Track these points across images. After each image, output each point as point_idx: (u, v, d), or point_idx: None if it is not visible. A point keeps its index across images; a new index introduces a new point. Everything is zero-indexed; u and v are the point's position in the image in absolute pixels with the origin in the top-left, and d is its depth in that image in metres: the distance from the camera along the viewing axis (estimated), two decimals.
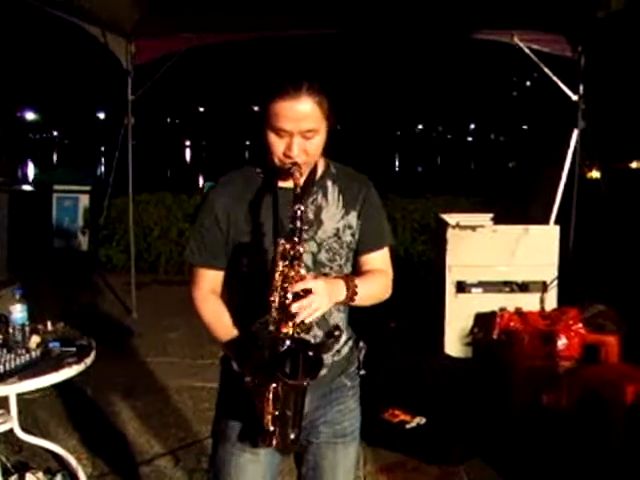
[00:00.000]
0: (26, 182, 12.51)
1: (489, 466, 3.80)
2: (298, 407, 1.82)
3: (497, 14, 5.59)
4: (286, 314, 1.77)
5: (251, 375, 1.86)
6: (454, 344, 4.95)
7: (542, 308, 4.87)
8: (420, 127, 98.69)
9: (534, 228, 4.94)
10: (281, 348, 1.73)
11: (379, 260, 2.14)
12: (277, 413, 1.81)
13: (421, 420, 4.17)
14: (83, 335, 3.30)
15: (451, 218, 5.28)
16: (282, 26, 6.01)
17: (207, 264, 2.07)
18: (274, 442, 1.84)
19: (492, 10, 5.50)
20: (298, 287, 1.77)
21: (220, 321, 2.04)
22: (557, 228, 4.95)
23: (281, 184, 2.01)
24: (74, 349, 3.11)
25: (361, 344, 2.19)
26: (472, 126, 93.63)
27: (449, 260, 4.94)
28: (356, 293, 1.94)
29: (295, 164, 1.89)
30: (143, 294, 7.05)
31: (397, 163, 47.12)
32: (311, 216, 2.01)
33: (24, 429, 3.40)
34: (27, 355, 2.96)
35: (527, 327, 4.49)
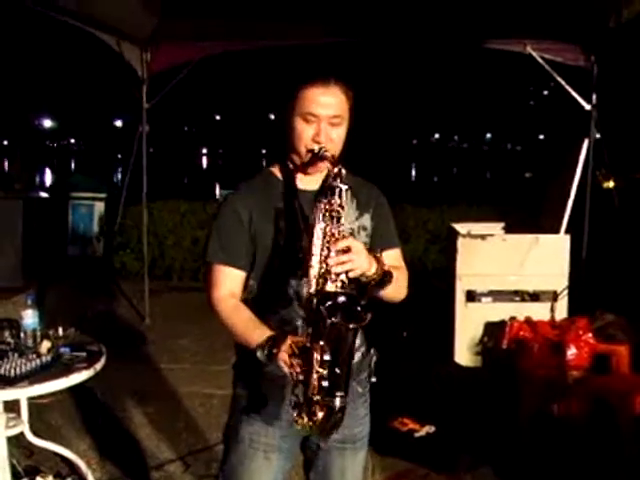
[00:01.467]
0: (42, 189, 12.60)
1: (497, 476, 3.79)
2: (345, 366, 1.75)
3: (509, 24, 5.62)
4: (328, 272, 1.80)
5: (290, 349, 1.78)
6: (464, 353, 4.95)
7: (552, 318, 4.86)
8: (437, 136, 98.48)
9: (544, 237, 4.93)
10: (332, 300, 1.73)
11: (392, 259, 2.16)
12: (324, 372, 1.72)
13: (430, 429, 4.17)
14: (94, 341, 3.33)
15: (462, 227, 5.28)
16: (300, 34, 6.04)
17: (229, 263, 2.05)
18: (319, 415, 1.75)
19: (504, 20, 5.53)
20: (341, 245, 1.80)
21: (245, 318, 1.99)
22: (567, 238, 4.94)
23: (300, 186, 2.06)
24: (84, 354, 3.14)
25: (372, 351, 2.18)
26: (488, 135, 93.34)
27: (459, 269, 4.94)
28: (384, 269, 1.95)
29: (324, 148, 1.95)
30: (156, 301, 7.08)
31: (413, 172, 46.99)
32: None
33: (35, 433, 3.44)
34: (38, 360, 2.99)
35: (537, 336, 4.48)
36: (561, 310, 4.91)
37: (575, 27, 5.57)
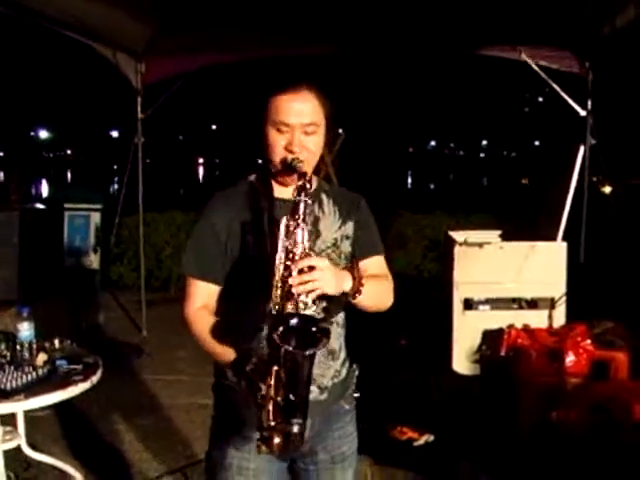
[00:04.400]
0: (39, 200, 12.55)
1: None
2: (303, 391, 1.69)
3: (504, 31, 5.62)
4: (289, 292, 1.72)
5: (250, 369, 1.75)
6: (462, 361, 4.93)
7: (550, 325, 4.86)
8: (433, 144, 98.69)
9: (541, 245, 4.93)
10: (286, 326, 1.65)
11: (375, 265, 2.11)
12: (280, 400, 1.67)
13: (429, 437, 4.16)
14: (90, 353, 3.32)
15: (459, 235, 5.28)
16: (294, 44, 6.04)
17: (203, 276, 2.01)
18: (276, 441, 1.69)
19: (499, 27, 5.53)
20: (302, 264, 1.72)
21: (214, 336, 1.95)
22: (564, 245, 4.94)
23: (277, 195, 2.00)
24: (81, 367, 3.14)
25: (354, 366, 2.16)
26: (484, 142, 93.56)
27: (456, 277, 4.94)
28: (362, 285, 1.88)
29: (297, 159, 1.88)
30: (153, 312, 7.05)
31: (410, 180, 47.06)
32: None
33: (32, 446, 3.42)
34: (34, 373, 2.99)
35: (535, 344, 4.47)
36: (559, 317, 4.90)
37: (569, 34, 5.59)
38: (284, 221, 1.77)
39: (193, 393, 5.05)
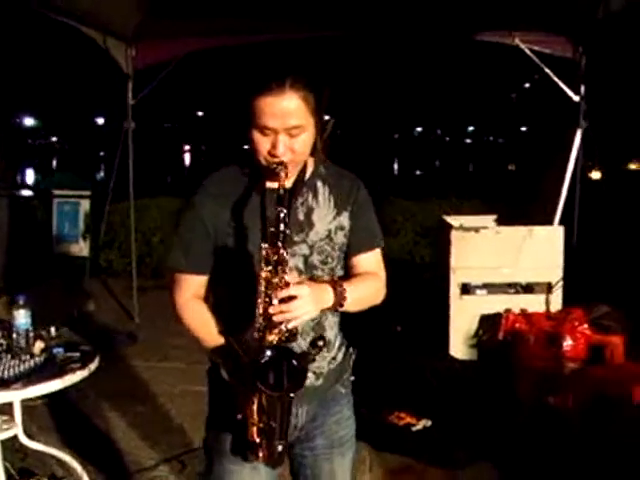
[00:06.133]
0: (26, 187, 12.45)
1: (496, 468, 3.76)
2: (284, 418, 1.76)
3: (498, 16, 5.59)
4: (270, 321, 1.72)
5: (238, 384, 1.79)
6: (459, 346, 4.94)
7: (547, 309, 4.87)
8: (419, 130, 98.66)
9: (538, 229, 4.93)
10: (263, 358, 1.66)
11: (371, 261, 2.07)
12: (262, 425, 1.75)
13: (427, 422, 4.15)
14: (86, 340, 3.28)
15: (454, 220, 5.27)
16: (280, 29, 5.98)
17: (195, 271, 1.98)
18: (260, 455, 1.80)
19: (493, 12, 5.49)
20: (282, 294, 1.71)
21: (206, 326, 1.95)
22: (561, 229, 4.94)
23: (269, 184, 1.93)
24: (78, 354, 3.09)
25: (351, 350, 2.13)
26: (470, 128, 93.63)
27: (453, 262, 4.93)
28: (345, 298, 1.87)
29: (281, 163, 1.81)
30: (145, 299, 7.01)
31: (396, 166, 47.00)
32: (302, 218, 1.94)
33: (29, 435, 3.38)
34: (31, 361, 2.94)
35: (532, 328, 4.48)
36: (556, 302, 4.91)
37: (564, 19, 5.56)
38: (263, 248, 1.74)
39: (189, 380, 5.00)
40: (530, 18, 5.58)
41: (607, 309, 4.58)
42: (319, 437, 2.07)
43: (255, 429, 1.77)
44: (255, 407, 1.75)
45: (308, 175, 1.98)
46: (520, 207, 5.73)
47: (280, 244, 1.73)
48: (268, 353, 1.67)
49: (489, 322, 4.81)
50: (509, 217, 5.46)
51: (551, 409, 4.03)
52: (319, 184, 2.01)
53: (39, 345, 3.09)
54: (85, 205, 8.68)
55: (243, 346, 1.80)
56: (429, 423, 4.14)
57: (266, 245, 1.74)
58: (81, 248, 8.70)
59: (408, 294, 5.67)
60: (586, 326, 4.34)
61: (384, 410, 4.19)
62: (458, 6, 5.54)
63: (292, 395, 1.73)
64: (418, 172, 40.61)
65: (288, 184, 1.85)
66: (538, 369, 4.18)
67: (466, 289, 4.93)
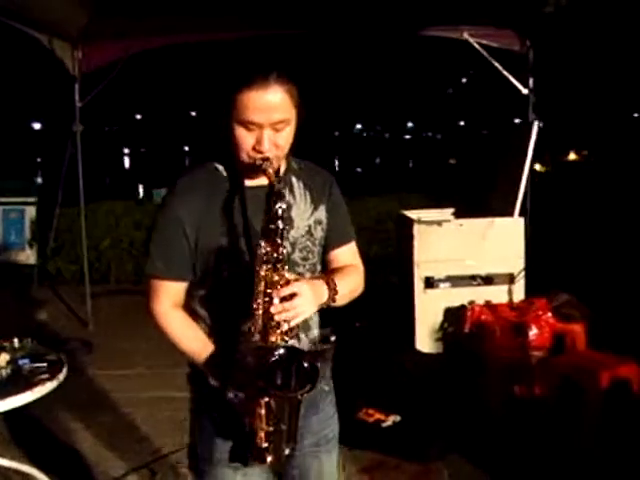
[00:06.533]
0: None
1: (468, 461, 3.78)
2: (293, 420, 1.73)
3: (446, 11, 5.62)
4: (272, 321, 1.68)
5: (236, 390, 1.73)
6: (425, 340, 4.95)
7: (510, 300, 4.91)
8: (359, 127, 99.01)
9: (499, 221, 4.98)
10: (272, 358, 1.62)
11: (348, 255, 2.08)
12: (271, 429, 1.71)
13: (396, 418, 4.13)
14: (51, 350, 3.18)
15: (413, 214, 5.28)
16: (228, 28, 5.91)
17: (175, 278, 1.91)
18: (268, 459, 1.75)
19: (441, 7, 5.52)
20: (284, 292, 1.68)
21: (191, 335, 1.90)
22: (522, 220, 5.00)
23: (248, 182, 1.89)
24: (45, 365, 3.00)
25: (332, 340, 2.06)
26: (410, 124, 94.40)
27: (416, 256, 4.94)
28: (337, 292, 1.86)
29: (267, 159, 1.77)
30: (97, 305, 6.85)
31: (337, 163, 47.11)
32: None
33: None
34: None
35: (498, 319, 4.50)
36: (518, 292, 4.96)
37: (511, 13, 5.62)
38: (262, 245, 1.70)
39: (151, 386, 4.92)
40: (478, 12, 5.63)
41: (567, 297, 4.63)
42: (307, 436, 2.03)
43: (263, 434, 1.72)
44: (263, 411, 1.71)
45: (282, 171, 1.93)
46: (475, 199, 5.76)
47: (279, 241, 1.70)
48: (280, 352, 1.63)
49: (454, 315, 4.83)
50: (468, 210, 5.50)
51: (520, 399, 4.07)
52: (294, 180, 1.99)
53: (4, 357, 2.99)
54: (31, 212, 8.46)
55: (239, 352, 1.75)
56: (398, 418, 4.13)
57: (264, 243, 1.70)
58: (28, 256, 8.48)
59: (368, 291, 5.66)
60: (550, 315, 4.39)
61: (353, 407, 4.18)
62: (407, 2, 5.55)
63: (304, 395, 1.69)
64: (359, 169, 40.75)
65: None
66: (505, 359, 4.21)
67: (430, 283, 4.95)
